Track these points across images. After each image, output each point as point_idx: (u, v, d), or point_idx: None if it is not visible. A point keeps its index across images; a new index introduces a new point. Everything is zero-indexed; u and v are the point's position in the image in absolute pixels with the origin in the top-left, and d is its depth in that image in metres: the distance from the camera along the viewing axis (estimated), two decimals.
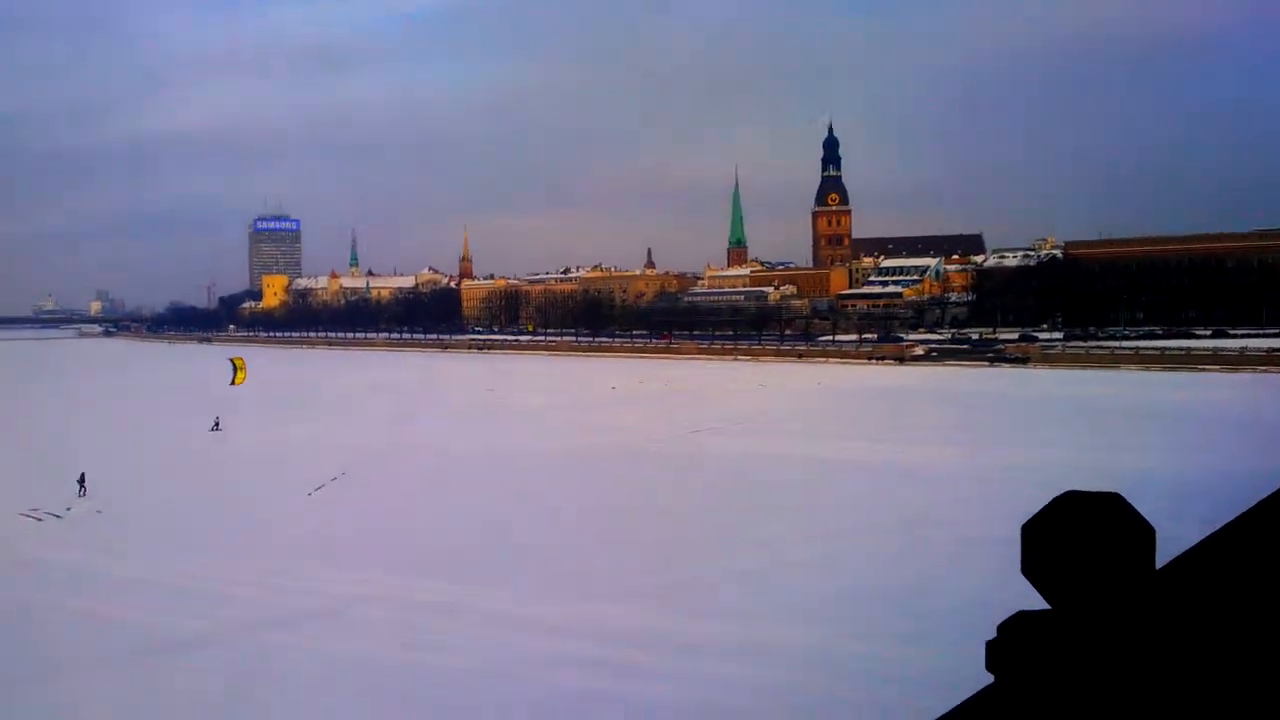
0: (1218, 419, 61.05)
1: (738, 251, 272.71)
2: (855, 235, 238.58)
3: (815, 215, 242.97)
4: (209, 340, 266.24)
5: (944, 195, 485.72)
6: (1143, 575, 1.47)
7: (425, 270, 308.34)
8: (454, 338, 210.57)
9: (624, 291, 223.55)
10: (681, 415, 69.45)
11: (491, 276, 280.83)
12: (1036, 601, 1.52)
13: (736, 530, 33.77)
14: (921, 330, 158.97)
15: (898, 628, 22.24)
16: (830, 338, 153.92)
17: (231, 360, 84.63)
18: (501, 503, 39.59)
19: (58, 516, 38.68)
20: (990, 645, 1.50)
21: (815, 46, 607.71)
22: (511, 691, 20.09)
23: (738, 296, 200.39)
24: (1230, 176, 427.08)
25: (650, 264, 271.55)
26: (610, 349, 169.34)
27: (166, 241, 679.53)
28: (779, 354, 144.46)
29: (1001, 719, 1.47)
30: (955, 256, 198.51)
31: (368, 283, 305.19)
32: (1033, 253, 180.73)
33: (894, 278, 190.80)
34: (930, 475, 42.97)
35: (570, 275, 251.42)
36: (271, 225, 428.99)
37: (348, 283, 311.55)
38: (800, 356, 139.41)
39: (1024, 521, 1.53)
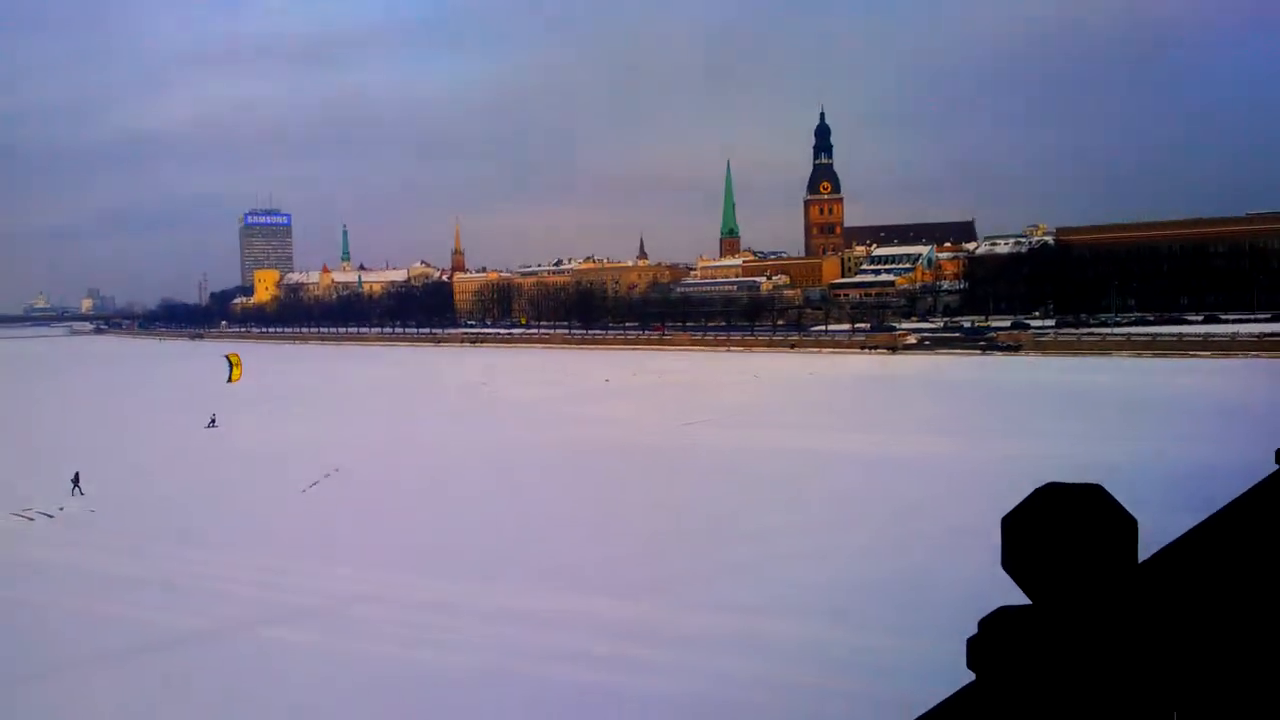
0: (1210, 405, 61.20)
1: (730, 241, 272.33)
2: (847, 224, 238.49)
3: (807, 204, 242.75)
4: (200, 337, 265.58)
5: (936, 183, 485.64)
6: (1124, 569, 1.45)
7: (417, 264, 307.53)
8: (446, 331, 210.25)
9: (616, 283, 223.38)
10: (674, 407, 69.45)
11: (484, 269, 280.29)
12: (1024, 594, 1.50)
13: (730, 522, 33.80)
14: (914, 319, 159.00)
15: (891, 619, 22.29)
16: (823, 327, 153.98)
17: (227, 357, 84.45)
18: (495, 497, 39.58)
19: (50, 516, 38.58)
20: (971, 642, 1.47)
21: (806, 35, 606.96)
22: (508, 686, 20.10)
23: (730, 287, 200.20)
24: (1221, 163, 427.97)
25: (643, 255, 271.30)
26: (603, 341, 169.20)
27: (158, 238, 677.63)
28: (772, 344, 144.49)
29: (982, 718, 1.44)
30: (947, 244, 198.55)
31: (359, 277, 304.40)
32: (1025, 240, 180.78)
33: (886, 266, 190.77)
34: (923, 466, 43.03)
35: (562, 267, 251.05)
36: (262, 220, 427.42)
37: (339, 277, 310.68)
38: (793, 347, 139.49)
39: (1003, 514, 1.51)
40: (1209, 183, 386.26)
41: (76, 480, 42.47)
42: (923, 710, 1.48)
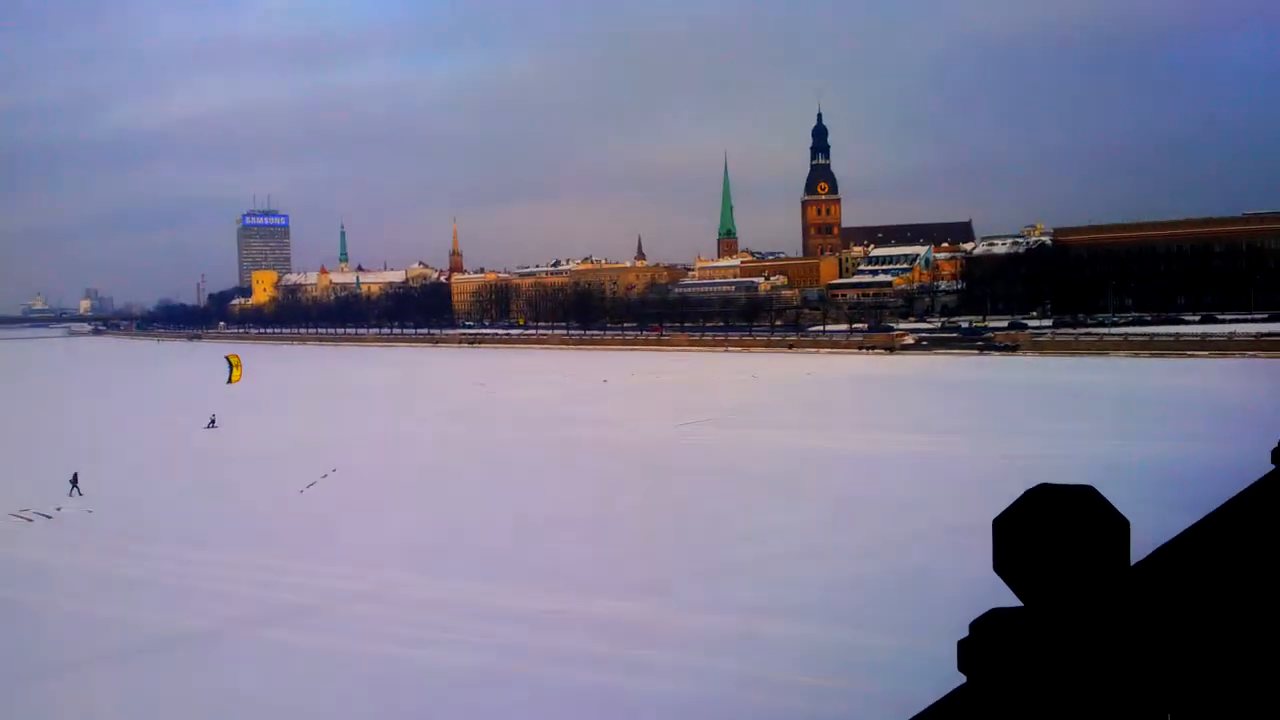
0: (1207, 405, 61.28)
1: (728, 242, 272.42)
2: (845, 224, 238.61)
3: (805, 204, 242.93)
4: (198, 338, 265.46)
5: (933, 183, 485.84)
6: (1116, 571, 1.44)
7: (415, 264, 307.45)
8: (444, 332, 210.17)
9: (614, 284, 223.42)
10: (672, 407, 69.48)
11: (482, 270, 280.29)
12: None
13: (728, 522, 33.83)
14: (911, 319, 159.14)
15: (889, 619, 22.32)
16: (821, 328, 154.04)
17: (227, 358, 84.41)
18: (493, 497, 39.59)
19: (48, 517, 38.58)
20: (962, 644, 1.45)
21: (803, 35, 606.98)
22: (506, 686, 20.13)
23: (728, 287, 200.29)
24: (1219, 163, 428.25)
25: (640, 255, 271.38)
26: (601, 342, 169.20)
27: (156, 239, 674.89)
28: (769, 345, 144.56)
29: None
30: (945, 244, 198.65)
31: (357, 278, 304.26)
32: (1022, 240, 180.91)
33: (884, 266, 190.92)
34: (920, 466, 43.08)
35: (560, 268, 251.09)
36: (260, 221, 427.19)
37: (337, 278, 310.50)
38: (791, 347, 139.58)
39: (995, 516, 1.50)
40: (1206, 183, 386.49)
41: (75, 481, 42.45)
42: (917, 711, 1.48)
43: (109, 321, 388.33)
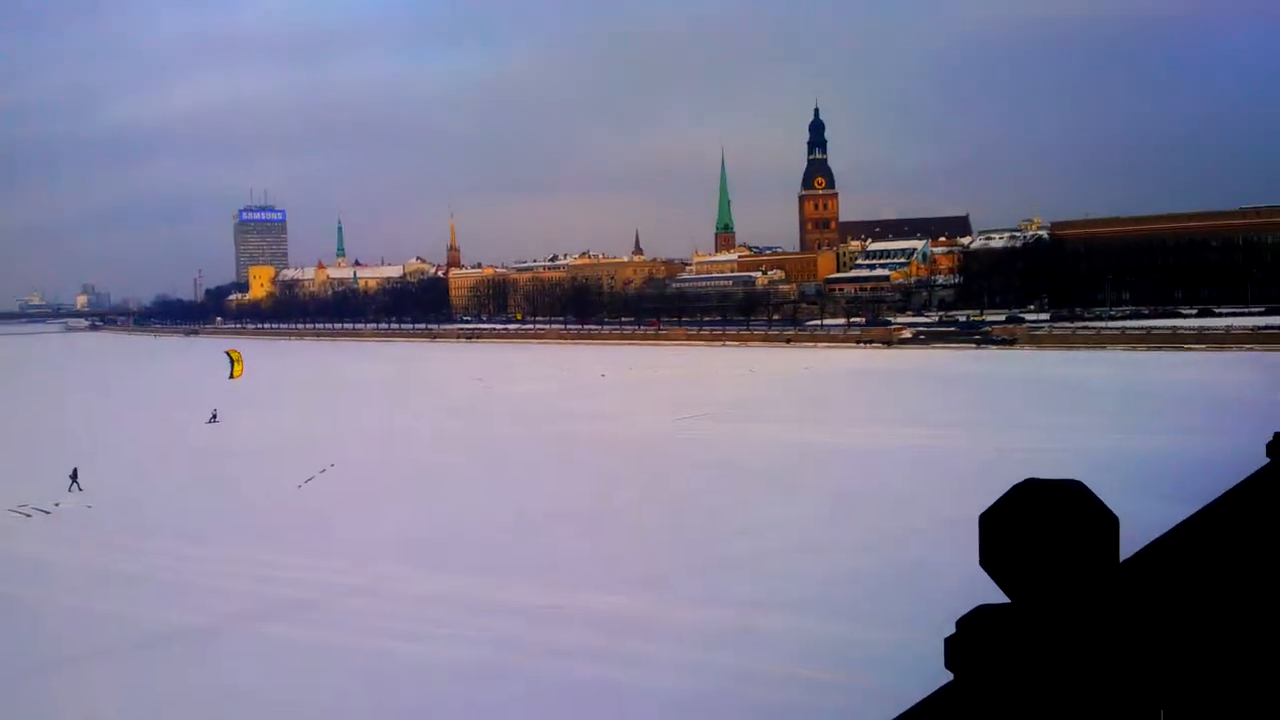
0: (1204, 398, 61.40)
1: (725, 236, 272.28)
2: (842, 218, 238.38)
3: (802, 199, 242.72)
4: (196, 333, 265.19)
5: (931, 177, 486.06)
6: (1105, 567, 1.42)
7: (413, 259, 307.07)
8: (442, 327, 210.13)
9: (612, 278, 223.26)
10: (670, 402, 69.52)
11: (479, 265, 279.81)
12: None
13: (725, 516, 33.85)
14: (909, 313, 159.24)
15: (887, 613, 22.35)
16: (818, 322, 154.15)
17: (228, 353, 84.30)
18: (490, 492, 39.61)
19: (46, 512, 38.55)
20: (949, 642, 1.43)
21: (800, 29, 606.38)
22: (504, 680, 20.14)
23: (726, 282, 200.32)
24: (1217, 157, 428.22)
25: (638, 250, 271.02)
26: (598, 336, 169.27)
27: (153, 234, 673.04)
28: (767, 339, 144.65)
29: (959, 719, 1.40)
30: (942, 239, 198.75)
31: (355, 273, 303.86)
32: (1019, 234, 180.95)
33: (881, 261, 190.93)
34: (918, 459, 43.12)
35: (558, 263, 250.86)
36: (257, 216, 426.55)
37: (335, 273, 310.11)
38: (788, 341, 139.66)
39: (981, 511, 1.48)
40: (1204, 177, 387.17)
41: (75, 476, 42.44)
42: (913, 704, 1.44)
43: (106, 317, 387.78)
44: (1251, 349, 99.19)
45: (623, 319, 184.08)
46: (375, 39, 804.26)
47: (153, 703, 19.81)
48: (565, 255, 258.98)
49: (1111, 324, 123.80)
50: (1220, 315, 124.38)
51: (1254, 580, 1.83)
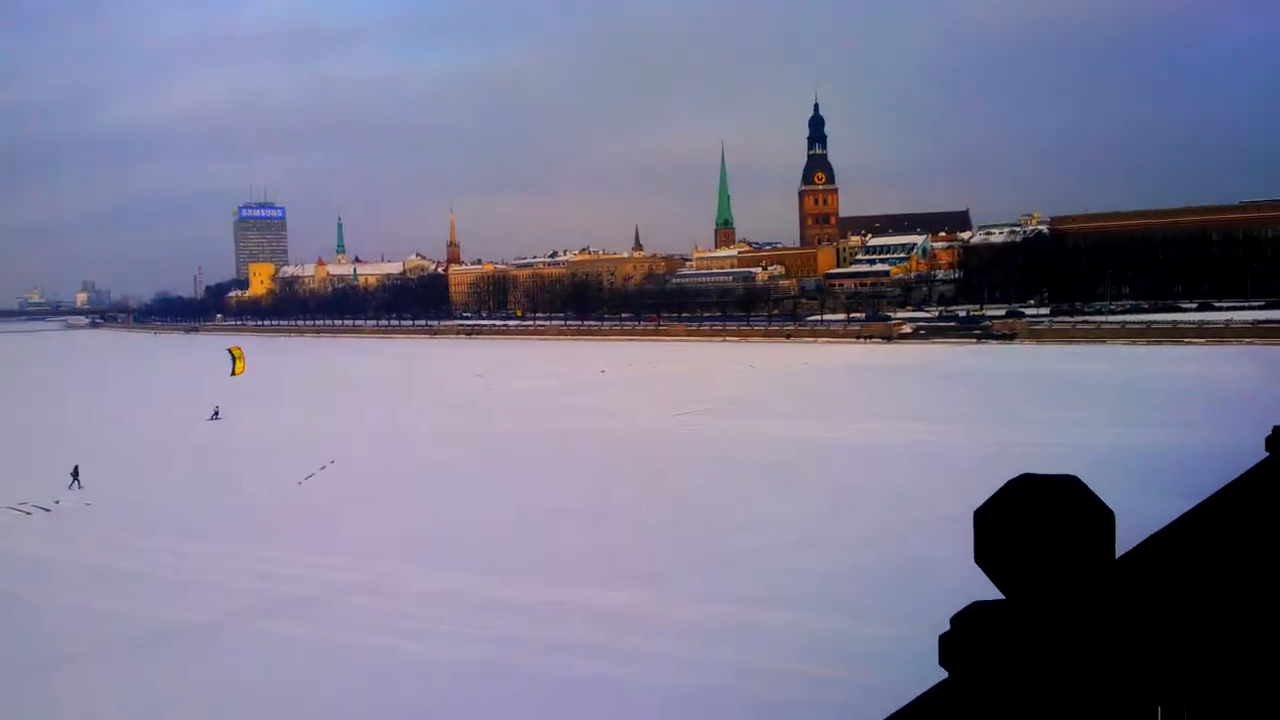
0: (1204, 392, 61.37)
1: (725, 232, 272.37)
2: (842, 214, 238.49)
3: (802, 194, 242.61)
4: (196, 330, 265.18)
5: (930, 172, 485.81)
6: (1101, 563, 1.41)
7: (412, 256, 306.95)
8: (442, 324, 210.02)
9: (612, 274, 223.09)
10: (670, 398, 69.50)
11: (479, 261, 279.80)
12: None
13: (726, 512, 33.86)
14: (909, 308, 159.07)
15: (887, 608, 22.34)
16: (818, 317, 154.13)
17: (230, 350, 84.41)
18: (491, 488, 39.60)
19: (46, 510, 38.56)
20: (944, 639, 1.41)
21: (800, 26, 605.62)
22: (505, 677, 20.15)
23: (725, 277, 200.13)
24: (1217, 152, 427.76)
25: (638, 246, 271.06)
26: (598, 332, 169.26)
27: (153, 231, 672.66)
28: (767, 334, 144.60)
29: (954, 717, 1.38)
30: (942, 233, 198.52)
31: (355, 269, 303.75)
32: (1019, 228, 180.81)
33: (881, 256, 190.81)
34: (918, 455, 43.12)
35: (558, 259, 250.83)
36: (256, 213, 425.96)
37: (335, 270, 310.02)
38: (788, 337, 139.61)
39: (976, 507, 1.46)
40: (1204, 174, 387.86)
41: (76, 474, 42.45)
42: (907, 702, 1.41)
43: (106, 315, 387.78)
44: (1252, 343, 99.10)
45: (623, 315, 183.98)
46: (375, 36, 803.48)
47: (153, 700, 19.81)
48: (565, 251, 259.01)
49: (1111, 318, 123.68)
50: (1220, 309, 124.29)
51: (1252, 575, 1.81)
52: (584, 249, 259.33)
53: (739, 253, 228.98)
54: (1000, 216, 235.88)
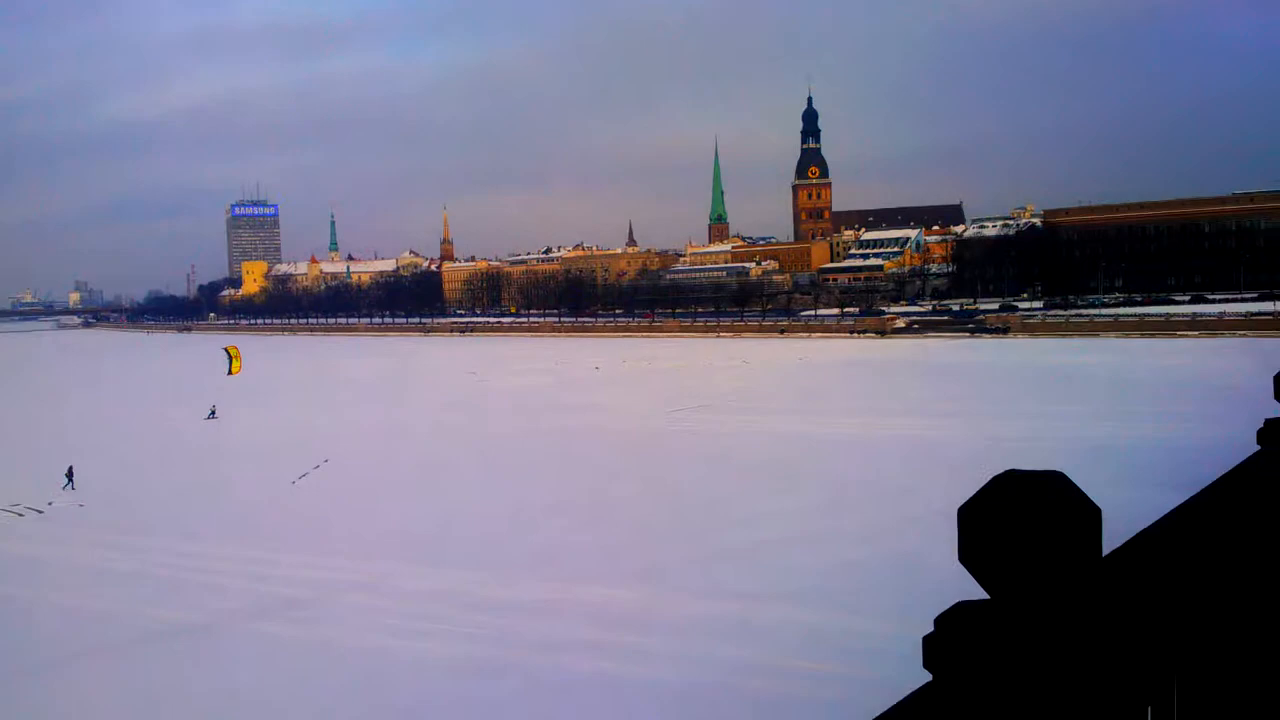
0: (1197, 385, 61.49)
1: (719, 227, 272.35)
2: (836, 208, 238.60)
3: (795, 189, 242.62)
4: (189, 329, 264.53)
5: (924, 166, 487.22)
6: (1087, 561, 1.38)
7: (406, 253, 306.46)
8: (436, 321, 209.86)
9: (606, 271, 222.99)
10: (665, 394, 69.48)
11: (473, 258, 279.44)
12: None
13: (722, 508, 33.85)
14: (903, 303, 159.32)
15: (884, 603, 22.35)
16: (812, 312, 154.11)
17: (226, 349, 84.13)
18: (486, 486, 39.55)
19: (39, 511, 38.45)
20: (927, 640, 1.38)
21: (794, 20, 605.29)
22: (501, 675, 20.11)
23: (719, 273, 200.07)
24: (1210, 143, 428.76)
25: (632, 242, 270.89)
26: (593, 329, 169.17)
27: (145, 230, 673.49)
28: (761, 330, 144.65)
29: None
30: (935, 227, 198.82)
31: (348, 267, 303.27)
32: (1012, 222, 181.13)
33: (874, 250, 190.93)
34: (913, 449, 43.16)
35: (552, 255, 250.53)
36: (249, 211, 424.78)
37: (328, 267, 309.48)
38: (783, 332, 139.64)
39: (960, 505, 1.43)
40: (1197, 163, 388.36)
41: (70, 475, 42.33)
42: (889, 706, 1.37)
43: (99, 314, 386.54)
44: (1245, 335, 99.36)
45: (617, 311, 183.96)
46: (369, 31, 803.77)
47: (148, 701, 19.76)
48: (559, 248, 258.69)
49: (1105, 311, 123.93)
50: (1213, 301, 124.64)
51: (1243, 572, 1.79)
52: (578, 245, 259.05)
53: (733, 248, 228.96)
54: (993, 209, 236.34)
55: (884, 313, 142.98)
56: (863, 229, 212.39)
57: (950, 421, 50.24)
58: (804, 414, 56.13)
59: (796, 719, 17.89)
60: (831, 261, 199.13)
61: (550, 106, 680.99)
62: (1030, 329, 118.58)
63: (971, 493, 1.39)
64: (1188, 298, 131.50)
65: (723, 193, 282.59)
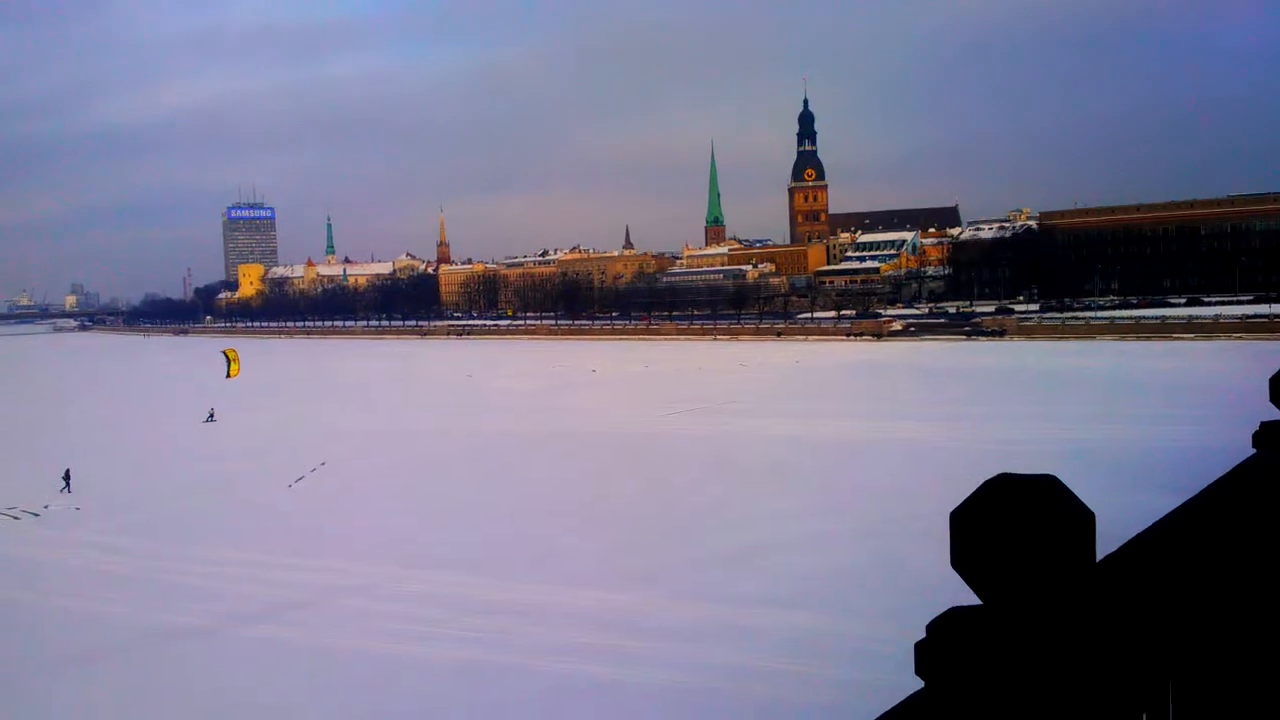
0: (1193, 387, 61.60)
1: (715, 230, 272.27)
2: (832, 210, 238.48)
3: (792, 191, 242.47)
4: (185, 332, 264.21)
5: (920, 168, 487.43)
6: (1081, 566, 1.37)
7: (403, 256, 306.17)
8: (433, 324, 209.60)
9: (602, 273, 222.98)
10: (661, 396, 69.49)
11: (469, 261, 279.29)
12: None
13: (717, 511, 33.86)
14: (899, 305, 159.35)
15: (881, 606, 22.36)
16: (809, 315, 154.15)
17: (225, 353, 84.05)
18: (481, 489, 39.52)
19: (35, 514, 38.37)
20: (919, 647, 1.36)
21: (789, 22, 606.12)
22: (496, 679, 20.10)
23: (716, 276, 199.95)
24: (1206, 146, 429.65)
25: (629, 244, 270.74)
26: (589, 331, 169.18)
27: (141, 233, 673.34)
28: (758, 333, 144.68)
29: None
30: (931, 230, 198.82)
31: (345, 270, 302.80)
32: (1008, 224, 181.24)
33: (871, 253, 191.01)
34: (909, 452, 43.17)
35: (548, 258, 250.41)
36: (245, 214, 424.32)
37: (324, 270, 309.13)
38: (779, 335, 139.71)
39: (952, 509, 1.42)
40: (1192, 165, 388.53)
41: (68, 478, 42.26)
42: (879, 714, 1.35)
43: (95, 317, 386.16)
44: (1240, 337, 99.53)
45: (613, 314, 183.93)
46: (366, 34, 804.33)
47: (146, 705, 19.72)
48: (556, 250, 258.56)
49: (1101, 314, 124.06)
50: (1209, 304, 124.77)
51: (1239, 577, 1.77)
52: (574, 248, 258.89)
53: (729, 250, 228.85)
54: (990, 212, 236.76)
55: (880, 315, 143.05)
56: (859, 231, 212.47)
57: (946, 424, 50.27)
58: (800, 417, 56.13)
59: None
60: (828, 264, 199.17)
61: (547, 109, 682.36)
62: (1026, 331, 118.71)
63: (965, 496, 1.39)
64: (1184, 300, 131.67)
65: (719, 195, 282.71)
